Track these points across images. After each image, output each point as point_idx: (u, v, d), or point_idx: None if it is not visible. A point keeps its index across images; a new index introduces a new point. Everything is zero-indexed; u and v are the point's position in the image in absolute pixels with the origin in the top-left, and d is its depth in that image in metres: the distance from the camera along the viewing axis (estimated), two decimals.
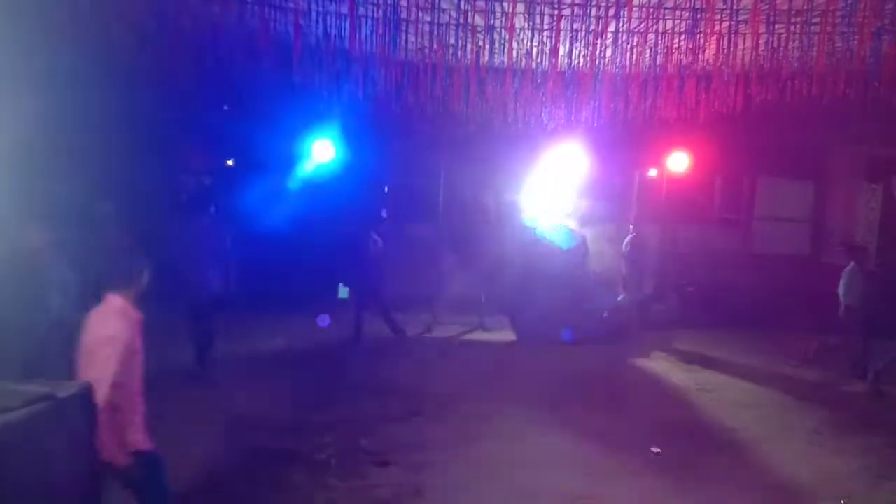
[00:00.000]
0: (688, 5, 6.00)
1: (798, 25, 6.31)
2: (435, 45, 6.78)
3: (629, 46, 7.09)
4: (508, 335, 9.80)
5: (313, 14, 6.29)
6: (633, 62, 7.31)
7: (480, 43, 6.81)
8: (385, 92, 7.47)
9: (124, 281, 3.42)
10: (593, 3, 6.00)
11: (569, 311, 9.02)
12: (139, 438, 3.52)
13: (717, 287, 10.58)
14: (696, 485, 4.97)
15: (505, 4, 6.04)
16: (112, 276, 3.39)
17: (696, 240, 11.57)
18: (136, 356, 3.45)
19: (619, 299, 10.21)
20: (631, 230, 10.37)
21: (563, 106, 8.17)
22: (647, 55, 7.37)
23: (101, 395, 3.13)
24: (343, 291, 11.06)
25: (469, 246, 11.53)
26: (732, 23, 6.15)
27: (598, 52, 6.93)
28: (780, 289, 10.32)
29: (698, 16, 5.94)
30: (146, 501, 3.60)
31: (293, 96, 8.04)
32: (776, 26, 6.24)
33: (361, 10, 6.30)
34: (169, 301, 5.88)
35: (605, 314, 9.36)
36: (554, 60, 6.87)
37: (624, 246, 10.38)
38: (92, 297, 3.47)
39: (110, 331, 3.30)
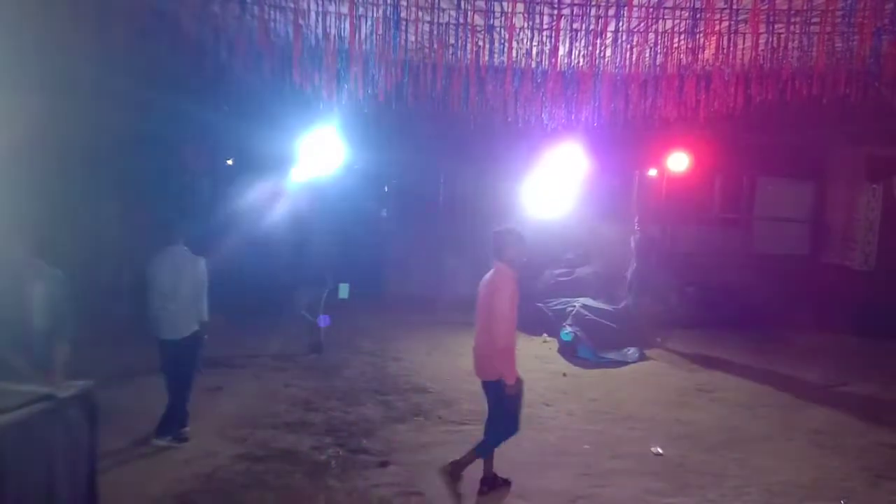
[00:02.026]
0: (688, 5, 5.99)
1: (798, 25, 6.31)
2: (435, 45, 6.78)
3: (629, 46, 7.09)
4: None
5: (313, 14, 6.30)
6: (633, 62, 7.31)
7: (480, 43, 6.80)
8: (385, 92, 7.47)
9: None
10: (593, 2, 5.99)
11: None
12: None
13: (717, 287, 10.57)
14: (696, 485, 4.97)
15: (505, 4, 6.04)
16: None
17: (695, 240, 11.58)
18: None
19: (620, 305, 10.17)
20: (636, 231, 10.19)
21: (563, 106, 8.16)
22: (647, 55, 7.37)
23: None
24: (343, 291, 11.07)
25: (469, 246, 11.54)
26: (732, 23, 6.14)
27: (598, 51, 6.92)
28: (780, 289, 10.32)
29: (698, 16, 5.94)
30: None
31: (293, 96, 8.04)
32: (776, 26, 6.24)
33: (361, 10, 6.29)
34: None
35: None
36: (554, 60, 6.86)
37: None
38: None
39: None
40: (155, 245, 5.46)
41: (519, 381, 4.58)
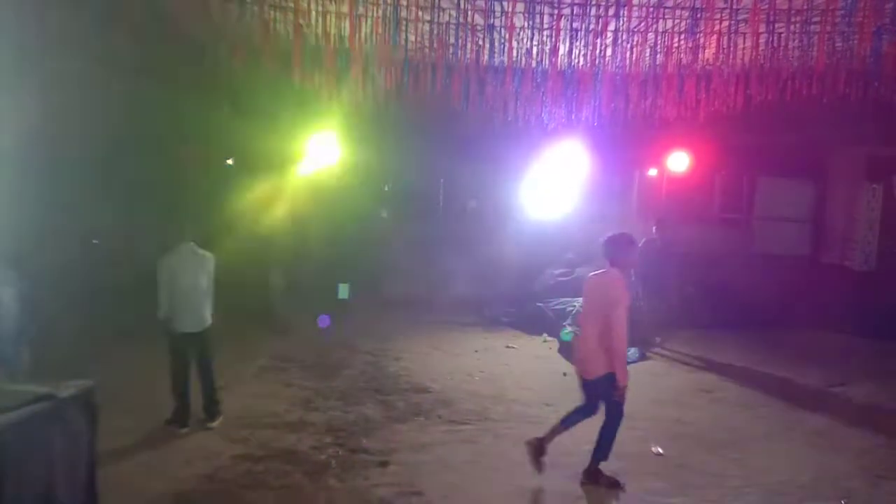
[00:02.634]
0: (688, 5, 6.00)
1: (798, 25, 6.32)
2: (435, 45, 6.78)
3: (629, 46, 7.09)
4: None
5: (313, 14, 6.30)
6: (633, 61, 7.31)
7: (480, 42, 6.80)
8: (385, 92, 7.47)
9: None
10: (593, 2, 6.00)
11: None
12: None
13: (717, 287, 10.56)
14: (696, 485, 4.97)
15: (505, 4, 6.04)
16: None
17: (695, 240, 11.57)
18: None
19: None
20: (653, 232, 9.43)
21: (563, 105, 8.17)
22: (647, 55, 7.37)
23: None
24: (343, 291, 11.08)
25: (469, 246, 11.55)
26: (732, 22, 6.14)
27: (598, 51, 6.93)
28: (780, 289, 10.32)
29: (698, 15, 5.94)
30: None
31: (293, 96, 8.04)
32: (776, 26, 6.24)
33: (361, 10, 6.29)
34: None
35: None
36: (554, 60, 6.87)
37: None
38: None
39: None
40: (164, 244, 5.70)
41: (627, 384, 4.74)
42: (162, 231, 5.99)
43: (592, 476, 4.85)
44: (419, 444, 5.57)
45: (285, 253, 10.45)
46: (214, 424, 5.74)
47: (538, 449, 4.93)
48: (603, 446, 4.84)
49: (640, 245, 9.05)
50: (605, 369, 4.68)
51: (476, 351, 8.96)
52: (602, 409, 4.87)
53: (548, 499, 4.70)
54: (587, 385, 4.91)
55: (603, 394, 4.77)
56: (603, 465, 4.96)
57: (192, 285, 5.61)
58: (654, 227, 9.18)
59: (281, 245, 10.45)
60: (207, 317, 5.76)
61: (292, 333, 8.47)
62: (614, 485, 4.82)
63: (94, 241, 9.59)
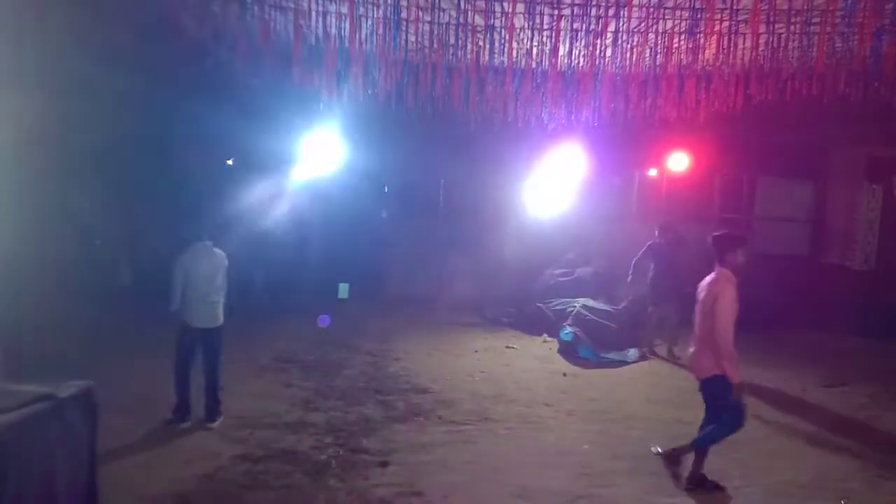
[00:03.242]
0: (688, 5, 5.99)
1: (798, 25, 6.31)
2: (435, 45, 6.78)
3: (629, 46, 7.09)
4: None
5: (313, 14, 6.30)
6: (633, 62, 7.31)
7: (480, 43, 6.80)
8: (385, 92, 7.47)
9: None
10: (593, 2, 6.00)
11: None
12: None
13: None
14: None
15: (505, 4, 6.04)
16: None
17: (695, 240, 11.57)
18: None
19: (620, 306, 10.09)
20: (661, 233, 9.07)
21: (563, 106, 8.16)
22: (647, 55, 7.37)
23: None
24: (343, 291, 11.10)
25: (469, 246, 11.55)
26: (732, 23, 6.14)
27: (598, 51, 6.93)
28: (779, 289, 10.31)
29: (698, 16, 5.94)
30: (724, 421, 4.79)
31: (293, 96, 8.04)
32: (776, 26, 6.24)
33: (361, 10, 6.30)
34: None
35: None
36: (554, 60, 6.87)
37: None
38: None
39: None
40: (178, 243, 5.84)
41: (742, 381, 4.74)
42: (173, 230, 6.13)
43: (697, 482, 4.83)
44: (419, 444, 5.57)
45: (275, 251, 10.50)
46: (214, 425, 5.75)
47: (671, 459, 4.99)
48: (704, 449, 4.85)
49: (644, 248, 9.02)
50: (714, 371, 4.71)
51: (476, 351, 8.96)
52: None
53: (548, 499, 4.70)
54: (701, 385, 4.98)
55: (719, 396, 4.79)
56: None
57: (207, 282, 5.73)
58: (656, 231, 9.06)
59: (273, 243, 10.50)
60: (220, 315, 5.87)
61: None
62: (718, 488, 4.81)
63: (97, 242, 9.61)
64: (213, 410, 5.82)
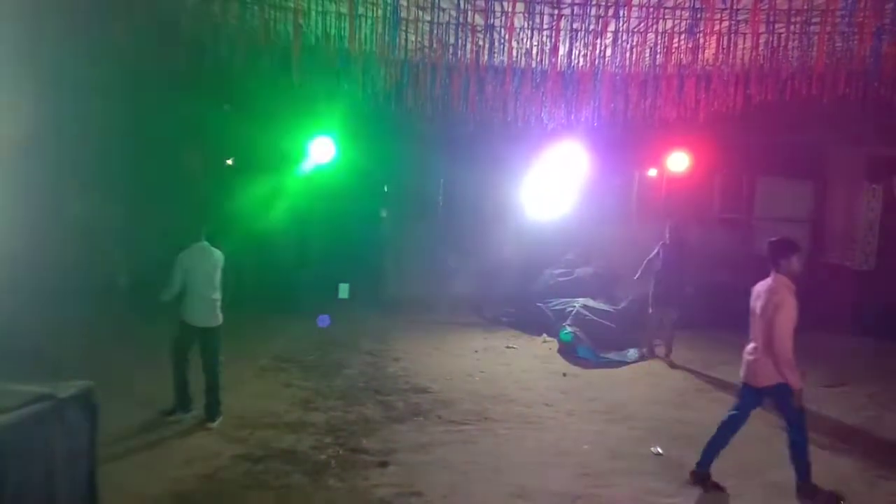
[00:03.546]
0: (688, 5, 6.00)
1: (798, 25, 6.32)
2: (435, 45, 6.78)
3: (629, 46, 7.09)
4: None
5: (313, 14, 6.30)
6: (633, 62, 7.31)
7: (480, 42, 6.80)
8: (385, 92, 7.47)
9: None
10: (593, 2, 6.00)
11: None
12: None
13: (717, 287, 10.55)
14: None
15: (505, 4, 6.04)
16: None
17: (695, 240, 11.58)
18: None
19: (620, 306, 10.06)
20: (666, 235, 8.81)
21: (562, 105, 8.16)
22: (647, 55, 7.37)
23: None
24: (343, 291, 11.09)
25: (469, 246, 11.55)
26: (732, 22, 6.15)
27: (598, 51, 6.93)
28: None
29: (698, 15, 5.94)
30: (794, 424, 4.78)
31: (293, 96, 8.04)
32: (776, 26, 6.25)
33: (361, 10, 6.30)
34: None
35: None
36: (554, 60, 6.87)
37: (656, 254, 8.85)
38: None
39: None
40: (177, 242, 5.90)
41: (802, 388, 4.70)
42: (173, 230, 6.20)
43: (809, 494, 4.76)
44: (419, 444, 5.57)
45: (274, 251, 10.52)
46: (214, 425, 5.75)
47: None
48: (801, 460, 4.79)
49: (657, 248, 8.88)
50: (776, 379, 4.68)
51: (476, 351, 8.96)
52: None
53: (547, 499, 4.70)
54: (750, 392, 4.95)
55: (780, 405, 4.79)
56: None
57: (206, 282, 5.81)
58: (666, 232, 8.87)
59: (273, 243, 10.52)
60: (219, 314, 5.91)
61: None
62: (835, 498, 4.73)
63: (96, 242, 9.59)
64: (213, 410, 5.82)
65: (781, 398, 4.74)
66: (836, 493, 4.76)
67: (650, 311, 8.84)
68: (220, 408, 5.87)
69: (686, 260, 8.69)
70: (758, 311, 4.86)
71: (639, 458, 5.44)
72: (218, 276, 5.91)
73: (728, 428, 5.01)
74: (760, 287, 4.91)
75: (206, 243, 5.89)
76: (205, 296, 5.80)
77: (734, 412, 5.04)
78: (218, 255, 5.95)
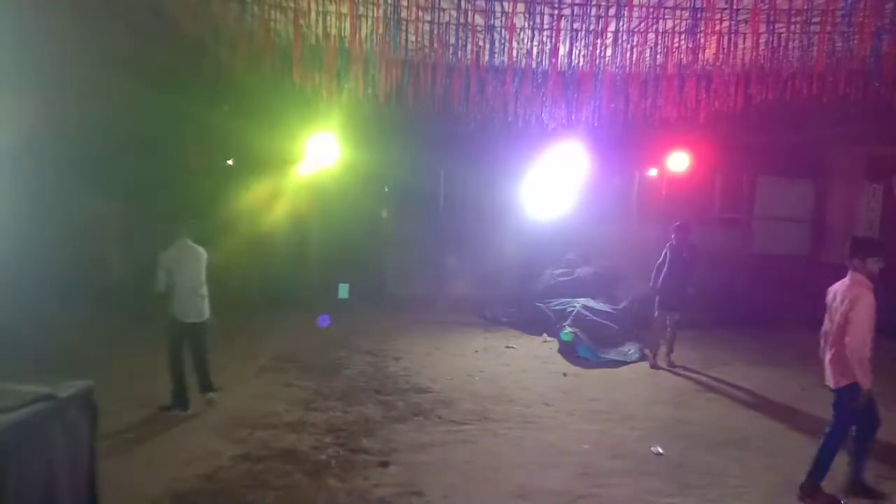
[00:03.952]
0: (688, 5, 5.99)
1: (798, 25, 6.31)
2: (435, 45, 6.78)
3: (629, 46, 7.09)
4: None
5: (313, 14, 6.29)
6: (633, 62, 7.31)
7: (480, 42, 6.80)
8: (385, 91, 7.47)
9: None
10: (593, 2, 5.99)
11: None
12: None
13: (717, 287, 10.56)
14: (696, 485, 4.97)
15: (505, 4, 6.04)
16: None
17: (695, 240, 11.57)
18: None
19: (620, 306, 10.02)
20: (672, 238, 8.58)
21: (563, 105, 8.16)
22: (647, 55, 7.37)
23: None
24: (343, 291, 11.09)
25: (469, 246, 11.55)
26: (732, 22, 6.14)
27: (598, 51, 6.92)
28: (780, 289, 10.31)
29: (698, 15, 5.94)
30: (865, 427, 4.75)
31: (293, 96, 8.04)
32: (776, 26, 6.24)
33: (361, 10, 6.29)
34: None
35: None
36: (554, 60, 6.87)
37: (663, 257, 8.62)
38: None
39: None
40: (164, 239, 6.04)
41: (870, 388, 4.68)
42: (160, 229, 6.26)
43: (809, 494, 4.73)
44: (419, 444, 5.57)
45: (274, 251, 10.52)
46: (212, 394, 6.12)
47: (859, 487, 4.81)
48: (823, 461, 4.73)
49: (664, 252, 8.74)
50: (847, 379, 4.66)
51: (476, 351, 8.96)
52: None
53: (548, 499, 4.70)
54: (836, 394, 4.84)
55: (837, 405, 4.78)
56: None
57: (190, 278, 5.98)
58: (672, 234, 8.76)
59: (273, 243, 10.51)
60: (205, 309, 6.08)
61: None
62: (835, 502, 4.71)
63: (95, 242, 9.59)
64: (206, 384, 6.12)
65: (844, 399, 4.69)
66: (836, 496, 4.75)
67: (656, 314, 8.65)
68: (211, 383, 6.17)
69: (693, 261, 8.59)
70: (835, 309, 4.80)
71: (639, 458, 5.44)
72: (203, 272, 6.07)
73: (863, 439, 4.89)
74: (837, 286, 4.86)
75: (187, 241, 6.02)
76: (190, 292, 5.97)
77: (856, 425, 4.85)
78: (200, 251, 6.08)
